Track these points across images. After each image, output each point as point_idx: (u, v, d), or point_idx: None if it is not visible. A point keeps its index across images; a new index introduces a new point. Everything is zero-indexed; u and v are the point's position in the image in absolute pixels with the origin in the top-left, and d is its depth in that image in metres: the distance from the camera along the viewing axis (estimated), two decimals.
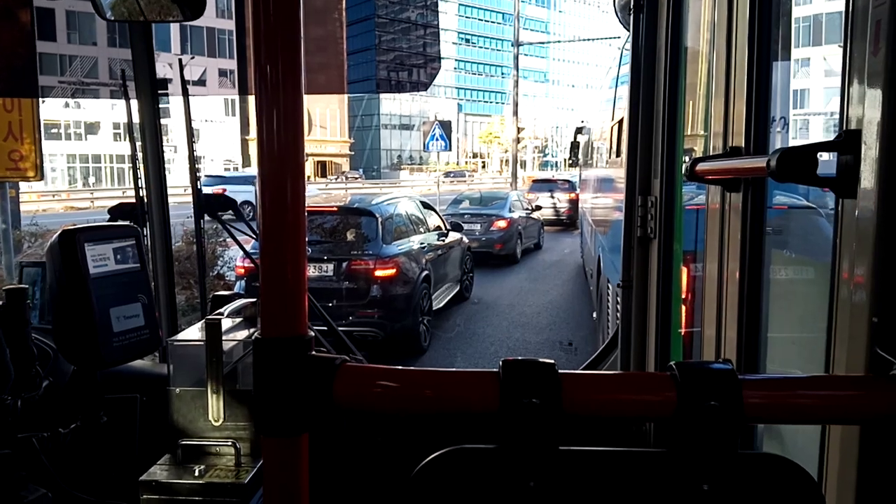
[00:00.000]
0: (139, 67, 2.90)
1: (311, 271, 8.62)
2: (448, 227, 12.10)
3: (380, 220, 9.51)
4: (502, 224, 17.50)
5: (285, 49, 0.82)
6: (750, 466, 0.82)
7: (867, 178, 1.04)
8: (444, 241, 11.48)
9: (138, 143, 2.94)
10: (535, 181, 28.91)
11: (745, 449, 0.80)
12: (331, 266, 8.95)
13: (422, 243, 10.49)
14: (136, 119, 2.92)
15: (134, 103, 2.90)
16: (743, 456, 0.81)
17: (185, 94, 2.90)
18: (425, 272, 9.99)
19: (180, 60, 3.04)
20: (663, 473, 0.84)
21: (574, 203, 23.19)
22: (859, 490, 1.08)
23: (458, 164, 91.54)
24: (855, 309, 1.08)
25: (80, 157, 57.64)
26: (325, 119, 68.28)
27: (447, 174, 61.14)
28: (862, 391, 0.87)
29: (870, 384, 0.91)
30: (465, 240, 12.96)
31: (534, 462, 0.81)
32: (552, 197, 25.33)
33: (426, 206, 12.00)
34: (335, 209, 10.14)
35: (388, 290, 9.08)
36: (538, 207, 22.05)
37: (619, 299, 2.73)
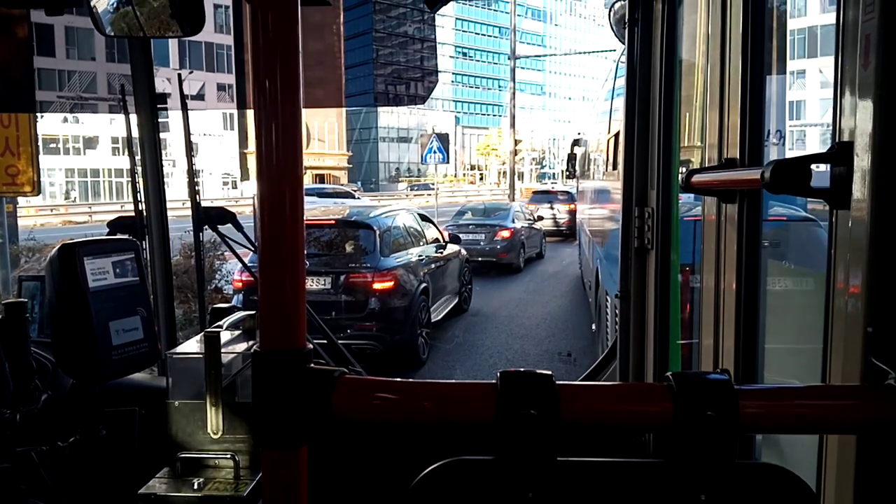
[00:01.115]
0: (138, 82, 2.92)
1: (310, 284, 8.59)
2: (446, 239, 12.13)
3: (378, 232, 9.51)
4: (506, 234, 17.76)
5: (284, 63, 0.83)
6: (747, 476, 0.82)
7: (860, 189, 1.05)
8: (442, 253, 11.48)
9: (137, 157, 2.95)
10: (535, 193, 29.43)
11: (743, 459, 0.81)
12: (329, 279, 8.96)
13: (420, 256, 10.48)
14: (135, 133, 2.93)
15: (133, 118, 2.91)
16: (740, 466, 0.81)
17: (184, 108, 2.92)
18: (424, 284, 9.98)
19: (179, 75, 3.05)
20: (661, 484, 0.84)
21: (573, 214, 23.58)
22: (857, 500, 1.08)
23: (455, 176, 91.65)
24: (850, 319, 1.09)
25: (78, 171, 57.66)
26: (324, 132, 68.37)
27: (412, 187, 61.15)
28: (858, 401, 0.87)
29: (865, 394, 0.91)
30: (464, 252, 12.98)
31: (532, 473, 0.81)
32: (552, 208, 25.79)
33: (424, 218, 12.03)
34: (333, 222, 10.13)
35: (387, 303, 9.08)
36: (540, 218, 22.54)
37: (616, 310, 2.73)
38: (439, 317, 11.04)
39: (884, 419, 0.84)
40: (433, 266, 10.85)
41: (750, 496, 0.82)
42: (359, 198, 32.35)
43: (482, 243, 17.33)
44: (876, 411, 0.84)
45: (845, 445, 1.12)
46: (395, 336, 9.11)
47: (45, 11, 2.08)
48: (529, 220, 20.45)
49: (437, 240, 11.74)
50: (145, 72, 2.92)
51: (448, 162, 28.25)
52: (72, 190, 55.65)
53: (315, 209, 12.98)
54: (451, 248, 12.08)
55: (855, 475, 1.07)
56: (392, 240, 9.98)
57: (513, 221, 18.50)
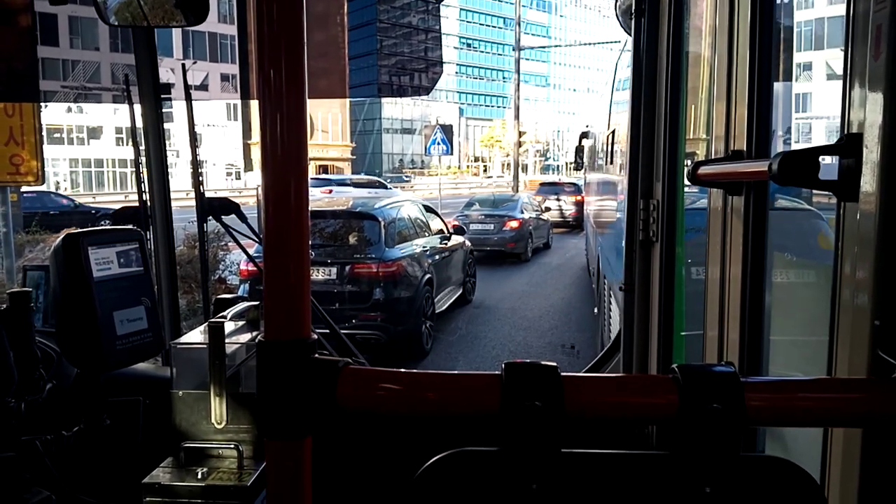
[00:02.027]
0: (142, 72, 2.91)
1: (315, 274, 8.68)
2: (451, 230, 12.24)
3: (383, 223, 9.58)
4: (514, 224, 18.18)
5: (289, 54, 0.83)
6: (752, 469, 0.82)
7: (868, 181, 1.04)
8: (446, 244, 11.57)
9: (142, 148, 2.95)
10: (542, 185, 29.97)
11: (748, 451, 0.81)
12: (334, 269, 9.03)
13: (424, 247, 10.55)
14: (139, 124, 2.93)
15: (137, 108, 2.91)
16: (745, 458, 0.81)
17: (188, 98, 2.91)
18: (428, 275, 10.05)
19: (183, 65, 3.04)
20: (665, 476, 0.84)
21: (579, 205, 24.16)
22: (861, 492, 1.08)
23: (459, 167, 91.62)
24: (857, 312, 1.09)
25: (82, 161, 57.65)
26: (328, 123, 68.29)
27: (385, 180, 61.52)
28: (864, 394, 0.87)
29: (872, 387, 0.91)
30: (468, 243, 13.10)
31: (536, 464, 0.82)
32: (559, 200, 26.28)
33: (428, 209, 12.12)
34: (339, 213, 10.22)
35: (391, 293, 9.14)
36: (547, 209, 23.15)
37: (613, 297, 2.73)
38: (443, 307, 11.09)
39: (890, 412, 0.84)
40: (437, 257, 10.90)
41: (755, 489, 0.82)
42: (390, 188, 32.90)
43: (492, 233, 17.75)
44: (882, 404, 0.84)
45: (851, 438, 1.12)
46: (400, 326, 9.16)
47: (49, 1, 2.07)
48: (537, 211, 20.85)
49: (441, 231, 11.82)
50: (149, 62, 2.91)
51: (452, 153, 28.19)
52: (61, 181, 55.15)
53: (321, 200, 13.05)
54: (456, 239, 12.15)
55: (860, 468, 1.07)
56: (397, 231, 10.02)
57: (521, 212, 18.87)
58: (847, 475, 1.13)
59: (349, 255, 9.32)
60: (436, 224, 11.86)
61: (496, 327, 11.39)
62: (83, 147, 57.79)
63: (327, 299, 8.69)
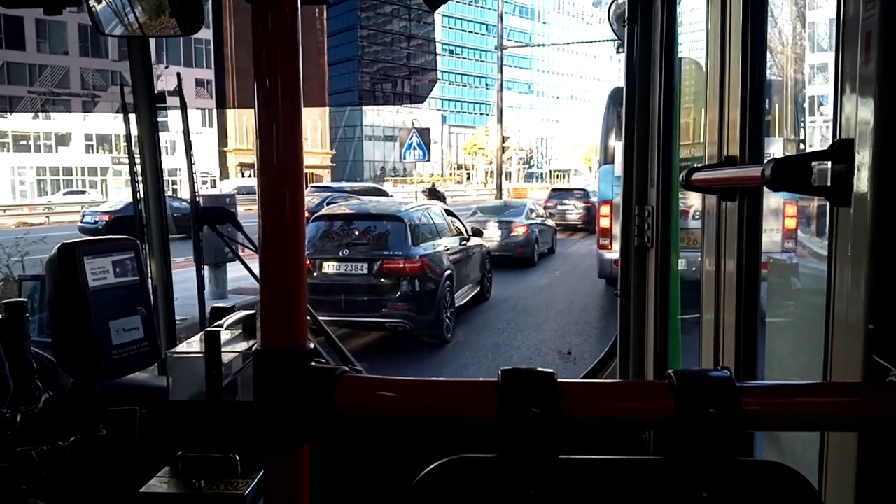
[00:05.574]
0: (137, 81, 2.89)
1: (349, 269, 10.13)
2: (469, 232, 13.20)
3: (408, 224, 10.67)
4: (521, 230, 18.80)
5: (284, 62, 0.83)
6: (749, 473, 0.83)
7: (861, 186, 1.06)
8: (465, 245, 12.54)
9: (137, 157, 2.93)
10: (553, 190, 31.90)
11: (744, 456, 0.82)
12: (366, 265, 10.20)
13: (446, 246, 11.53)
14: (134, 132, 2.91)
15: (131, 116, 2.90)
16: (742, 463, 0.82)
17: (183, 107, 2.90)
18: (449, 272, 11.02)
19: (178, 74, 3.03)
20: (663, 481, 0.85)
21: (587, 209, 25.52)
22: (858, 496, 1.09)
23: (442, 175, 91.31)
24: (851, 316, 1.10)
25: (50, 169, 56.15)
26: (307, 130, 67.43)
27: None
28: (859, 398, 0.88)
29: (867, 391, 0.92)
30: (486, 245, 14.04)
31: (534, 471, 0.82)
32: (567, 204, 27.51)
33: (449, 213, 13.11)
34: (370, 215, 11.49)
35: (416, 287, 10.23)
36: (551, 215, 24.19)
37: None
38: (462, 302, 12.01)
39: (885, 416, 0.85)
40: (457, 256, 11.95)
41: (751, 493, 0.83)
42: (391, 195, 33.30)
43: (499, 238, 18.27)
44: (877, 408, 0.85)
45: (846, 442, 1.13)
46: (423, 316, 10.24)
47: (43, 11, 2.06)
48: (541, 217, 21.56)
49: (460, 233, 12.82)
50: (144, 71, 2.90)
51: (429, 159, 27.62)
52: (27, 190, 53.21)
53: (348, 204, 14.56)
54: (474, 240, 13.17)
55: (856, 472, 1.09)
56: (421, 231, 11.13)
57: (527, 218, 19.58)
58: (843, 479, 1.14)
59: (379, 252, 10.39)
60: (456, 226, 12.84)
61: (494, 332, 11.69)
62: (51, 154, 56.33)
63: (361, 291, 10.00)
